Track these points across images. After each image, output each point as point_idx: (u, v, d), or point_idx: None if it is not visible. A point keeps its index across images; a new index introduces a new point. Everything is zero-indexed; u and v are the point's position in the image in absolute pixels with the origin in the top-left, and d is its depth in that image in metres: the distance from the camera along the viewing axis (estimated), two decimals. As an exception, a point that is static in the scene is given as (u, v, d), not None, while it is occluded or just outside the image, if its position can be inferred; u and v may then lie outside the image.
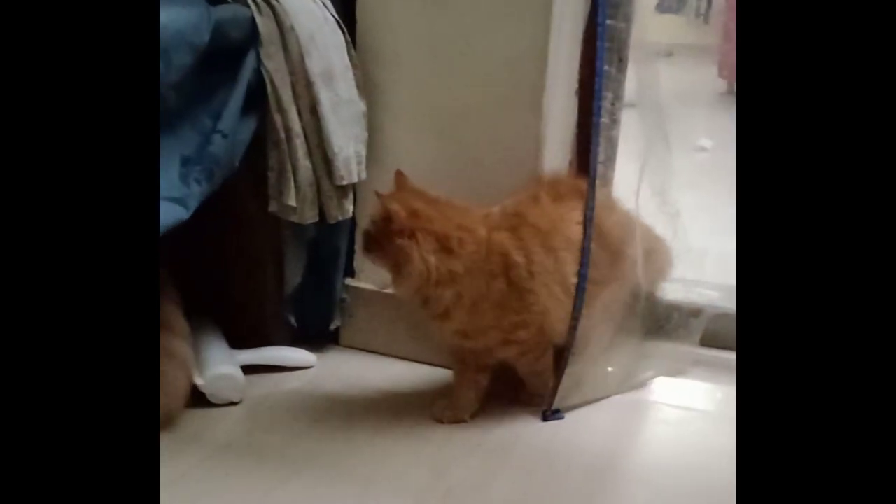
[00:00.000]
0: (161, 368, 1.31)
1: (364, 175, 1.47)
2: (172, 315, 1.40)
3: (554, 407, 1.40)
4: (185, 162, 1.21)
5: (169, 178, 1.19)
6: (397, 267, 1.28)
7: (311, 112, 1.35)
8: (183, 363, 1.37)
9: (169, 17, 1.14)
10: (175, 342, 1.37)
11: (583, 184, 1.36)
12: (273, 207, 1.39)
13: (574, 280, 1.34)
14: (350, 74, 1.42)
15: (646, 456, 1.39)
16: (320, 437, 1.34)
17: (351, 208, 1.48)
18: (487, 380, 1.41)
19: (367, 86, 1.48)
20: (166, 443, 1.30)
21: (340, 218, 1.45)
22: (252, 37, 1.28)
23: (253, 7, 1.28)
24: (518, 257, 1.31)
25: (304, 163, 1.36)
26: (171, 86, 1.16)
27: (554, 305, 1.35)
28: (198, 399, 1.41)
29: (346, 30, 1.43)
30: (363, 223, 1.44)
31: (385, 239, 1.28)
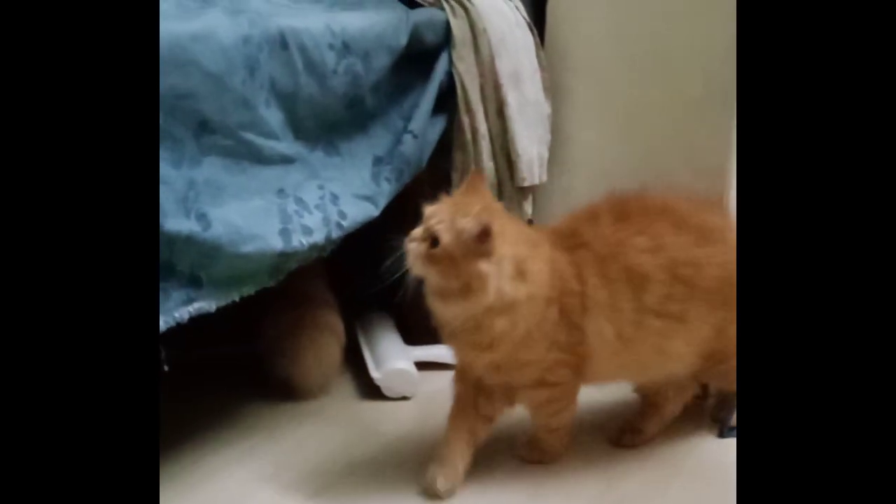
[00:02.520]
0: (316, 339, 1.43)
1: (545, 177, 1.46)
2: (322, 291, 1.48)
3: (732, 424, 1.33)
4: (377, 161, 1.25)
5: (362, 177, 1.23)
6: (466, 292, 1.08)
7: (498, 113, 1.36)
8: (335, 333, 1.45)
9: (370, 21, 1.19)
10: (327, 314, 1.45)
11: (658, 202, 1.20)
12: (454, 208, 1.40)
13: (632, 319, 1.15)
14: (538, 76, 1.41)
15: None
16: (488, 438, 1.35)
17: (530, 210, 1.47)
18: (480, 439, 1.23)
19: (552, 87, 1.46)
20: (345, 433, 1.36)
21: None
22: (445, 39, 1.30)
23: (448, 9, 1.30)
24: (574, 284, 1.15)
25: (487, 164, 1.36)
26: (369, 87, 1.20)
27: (601, 347, 1.17)
28: (373, 392, 1.46)
29: (536, 32, 1.43)
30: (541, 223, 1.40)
31: (465, 257, 1.07)
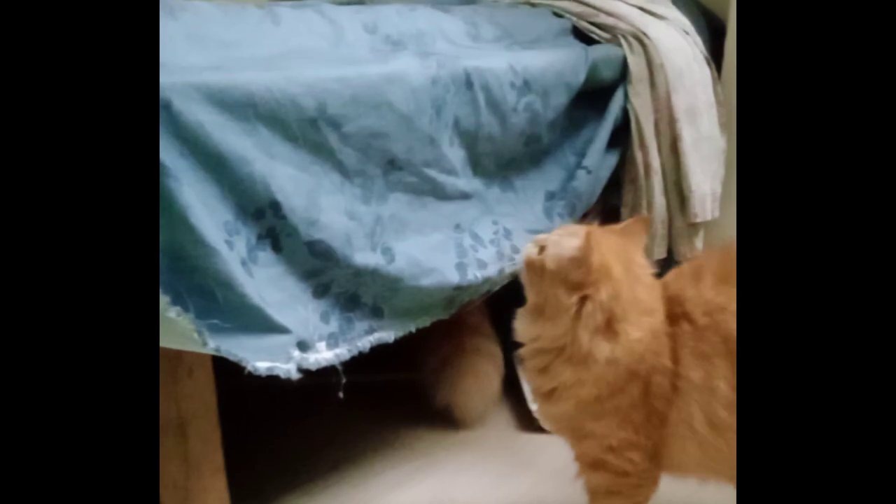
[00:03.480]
0: (476, 366, 1.45)
1: (717, 213, 1.42)
2: (481, 320, 1.50)
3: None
4: (550, 197, 1.26)
5: (534, 212, 1.24)
6: (537, 312, 1.00)
7: (672, 149, 1.33)
8: (494, 361, 1.47)
9: (550, 59, 1.20)
10: (486, 343, 1.47)
11: None
12: (622, 243, 1.39)
13: (727, 399, 0.93)
14: (714, 111, 1.38)
15: None
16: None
17: (700, 246, 1.43)
18: None
19: (729, 122, 1.42)
20: (502, 464, 1.37)
21: (689, 256, 1.41)
22: (622, 75, 1.29)
23: (625, 46, 1.30)
24: (667, 361, 0.96)
25: (659, 199, 1.34)
26: (546, 124, 1.21)
27: (686, 438, 0.97)
28: (531, 424, 1.46)
29: (713, 66, 1.39)
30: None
31: (552, 277, 0.97)
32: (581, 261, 0.93)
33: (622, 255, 0.99)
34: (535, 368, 1.03)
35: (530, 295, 1.01)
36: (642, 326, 0.96)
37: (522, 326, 1.03)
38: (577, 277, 0.94)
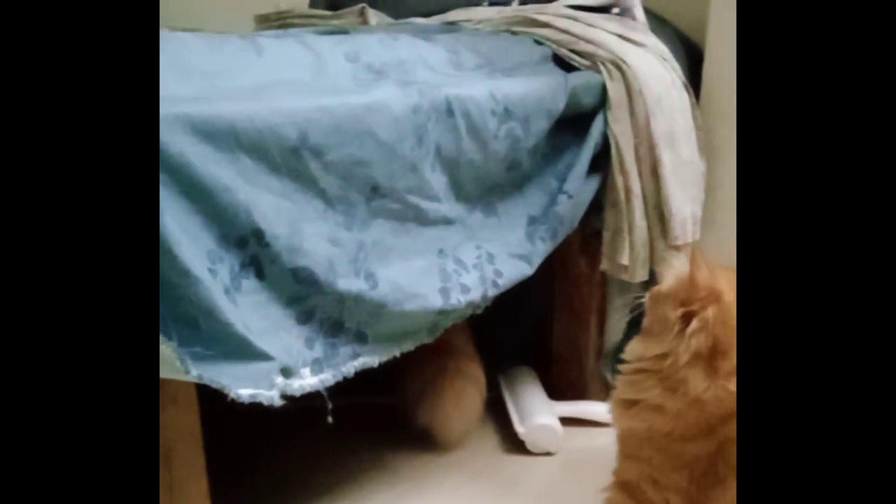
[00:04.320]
0: (457, 387, 1.45)
1: (698, 236, 1.44)
2: (464, 342, 1.51)
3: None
4: (532, 221, 1.27)
5: (516, 237, 1.26)
6: (646, 333, 0.99)
7: (652, 173, 1.35)
8: (476, 382, 1.47)
9: (530, 87, 1.22)
10: (468, 365, 1.48)
11: None
12: (605, 266, 1.40)
13: None
14: (693, 136, 1.40)
15: None
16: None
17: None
18: None
19: (708, 146, 1.44)
20: (488, 487, 1.37)
21: (670, 279, 1.43)
22: (601, 101, 1.31)
23: (604, 72, 1.32)
24: None
25: (640, 223, 1.36)
26: (527, 150, 1.23)
27: None
28: (516, 447, 1.46)
29: (692, 92, 1.42)
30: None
31: (663, 299, 0.97)
32: (689, 281, 0.93)
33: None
34: (628, 382, 1.01)
35: (645, 321, 1.01)
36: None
37: (631, 346, 1.03)
38: (683, 293, 0.94)
